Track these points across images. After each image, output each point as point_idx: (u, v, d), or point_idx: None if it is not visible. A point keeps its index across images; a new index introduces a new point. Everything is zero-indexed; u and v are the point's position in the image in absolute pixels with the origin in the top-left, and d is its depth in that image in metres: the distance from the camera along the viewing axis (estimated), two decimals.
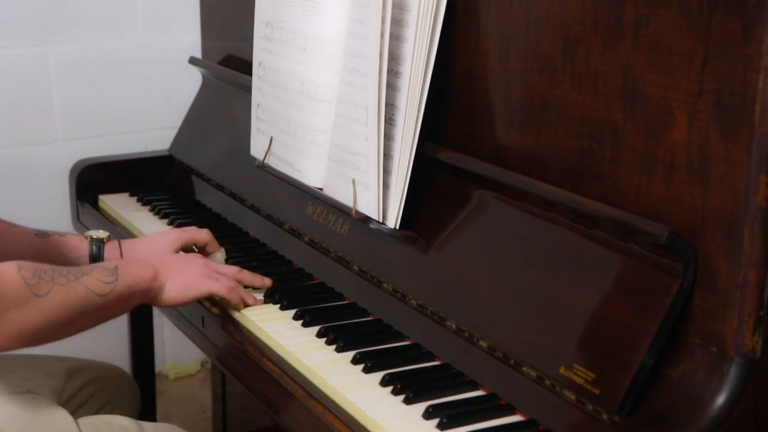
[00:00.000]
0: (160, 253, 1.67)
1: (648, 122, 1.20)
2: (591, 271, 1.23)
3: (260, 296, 1.61)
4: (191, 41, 2.51)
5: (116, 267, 1.45)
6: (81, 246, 1.68)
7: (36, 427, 1.47)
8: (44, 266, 1.36)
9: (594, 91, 1.28)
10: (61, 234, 1.70)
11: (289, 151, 1.76)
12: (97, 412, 1.71)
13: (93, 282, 1.40)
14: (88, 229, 2.12)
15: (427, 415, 1.24)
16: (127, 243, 1.72)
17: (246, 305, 1.57)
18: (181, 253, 1.69)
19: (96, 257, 1.67)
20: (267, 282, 1.63)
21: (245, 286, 1.61)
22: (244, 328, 1.54)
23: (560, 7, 1.32)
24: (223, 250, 1.74)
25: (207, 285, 1.54)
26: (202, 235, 1.72)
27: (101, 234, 1.70)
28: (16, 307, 1.29)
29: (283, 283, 1.66)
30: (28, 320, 1.30)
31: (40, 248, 1.64)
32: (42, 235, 1.66)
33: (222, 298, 1.56)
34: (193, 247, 1.72)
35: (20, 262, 1.33)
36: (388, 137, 1.50)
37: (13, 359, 1.63)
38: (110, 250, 1.69)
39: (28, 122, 2.66)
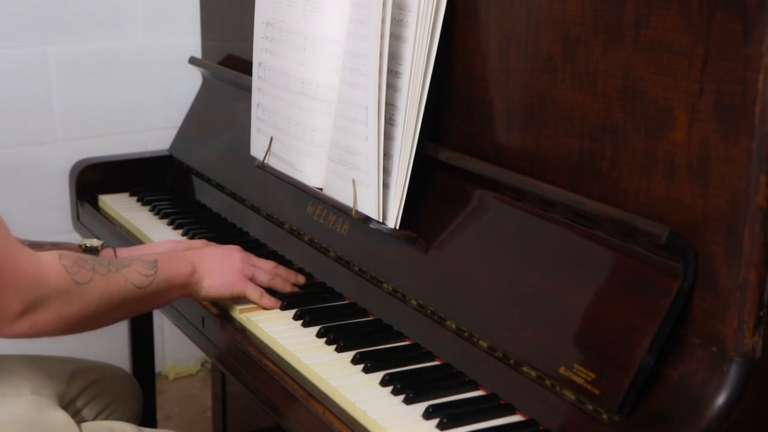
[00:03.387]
0: None
1: (648, 122, 1.20)
2: (591, 270, 1.23)
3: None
4: (191, 41, 2.51)
5: (156, 261, 1.48)
6: None
7: (39, 429, 1.47)
8: (85, 256, 1.40)
9: (594, 91, 1.28)
10: (54, 243, 1.71)
11: (289, 151, 1.76)
12: (99, 414, 1.71)
13: (132, 274, 1.42)
14: (89, 229, 2.13)
15: (427, 415, 1.24)
16: (122, 251, 1.72)
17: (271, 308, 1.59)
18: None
19: None
20: (301, 279, 1.65)
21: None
22: (244, 328, 1.54)
23: (560, 7, 1.32)
24: None
25: (242, 286, 1.57)
26: (197, 245, 1.72)
27: (95, 242, 1.72)
28: (58, 294, 1.32)
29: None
30: (70, 307, 1.33)
31: None
32: (36, 245, 1.66)
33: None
34: None
35: (60, 251, 1.37)
36: (388, 137, 1.50)
37: (17, 360, 1.63)
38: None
39: (28, 122, 2.66)
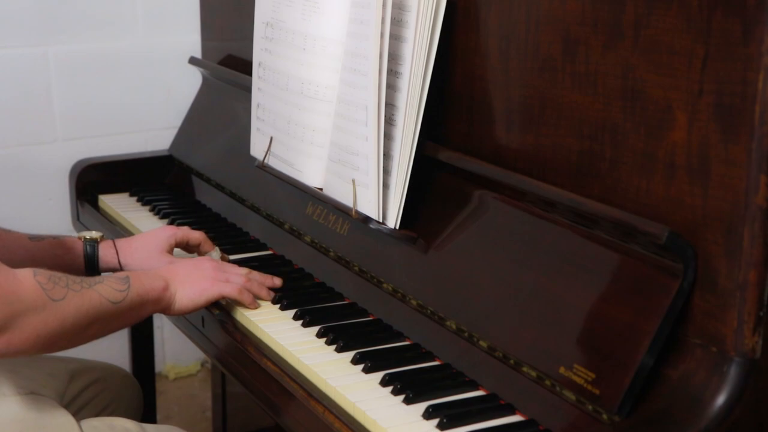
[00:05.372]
0: (154, 249, 1.69)
1: (648, 122, 1.20)
2: (591, 271, 1.23)
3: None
4: (191, 41, 2.51)
5: (128, 276, 1.46)
6: (75, 247, 1.69)
7: (39, 428, 1.47)
8: (58, 273, 1.37)
9: (594, 91, 1.28)
10: (54, 237, 1.71)
11: (289, 151, 1.76)
12: (99, 414, 1.71)
13: (106, 289, 1.41)
14: (88, 230, 2.13)
15: (427, 415, 1.24)
16: (121, 242, 1.73)
17: (259, 299, 1.58)
18: (188, 257, 1.69)
19: (91, 257, 1.68)
20: (277, 282, 1.63)
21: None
22: (244, 328, 1.54)
23: (560, 7, 1.32)
24: (217, 248, 1.75)
25: (217, 288, 1.55)
26: (195, 234, 1.74)
27: (94, 234, 1.72)
28: (34, 312, 1.29)
29: (283, 283, 1.66)
30: (45, 325, 1.31)
31: (36, 252, 1.65)
32: (36, 239, 1.66)
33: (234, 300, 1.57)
34: (188, 246, 1.74)
35: (35, 268, 1.34)
36: (388, 137, 1.50)
37: (17, 360, 1.62)
38: (105, 249, 1.70)
39: (28, 122, 2.66)
